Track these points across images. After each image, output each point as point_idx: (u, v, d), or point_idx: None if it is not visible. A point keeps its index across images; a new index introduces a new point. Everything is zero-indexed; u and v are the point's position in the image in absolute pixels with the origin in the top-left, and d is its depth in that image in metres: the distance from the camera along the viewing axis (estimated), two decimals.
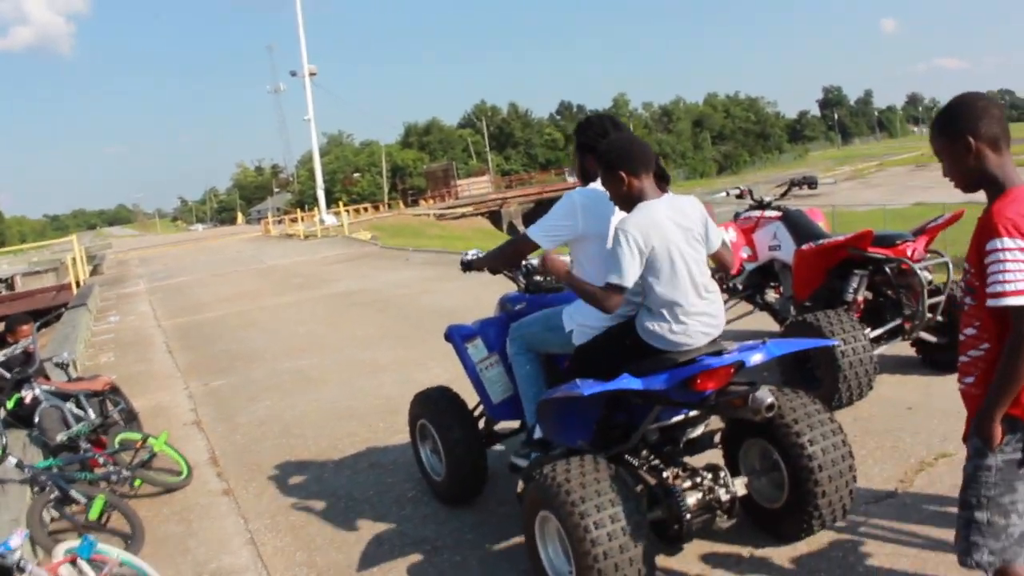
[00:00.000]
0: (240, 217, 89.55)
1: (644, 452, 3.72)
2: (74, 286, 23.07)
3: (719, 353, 3.43)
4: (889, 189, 51.90)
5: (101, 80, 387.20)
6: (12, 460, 4.94)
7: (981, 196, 2.59)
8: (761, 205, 6.48)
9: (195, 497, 5.54)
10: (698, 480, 3.59)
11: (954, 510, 3.86)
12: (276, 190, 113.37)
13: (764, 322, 6.86)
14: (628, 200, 3.44)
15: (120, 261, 33.95)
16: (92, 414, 6.07)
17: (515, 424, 4.70)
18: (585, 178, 3.94)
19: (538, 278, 4.51)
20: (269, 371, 9.02)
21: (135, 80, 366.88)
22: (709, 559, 3.78)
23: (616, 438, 3.72)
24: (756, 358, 3.39)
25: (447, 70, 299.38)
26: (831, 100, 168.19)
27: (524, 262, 4.42)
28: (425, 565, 4.14)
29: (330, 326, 11.51)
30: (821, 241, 5.72)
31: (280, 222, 48.35)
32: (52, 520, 5.01)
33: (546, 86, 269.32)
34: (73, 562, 3.92)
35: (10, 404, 5.80)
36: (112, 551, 4.23)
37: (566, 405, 3.58)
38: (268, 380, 8.59)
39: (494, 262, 4.27)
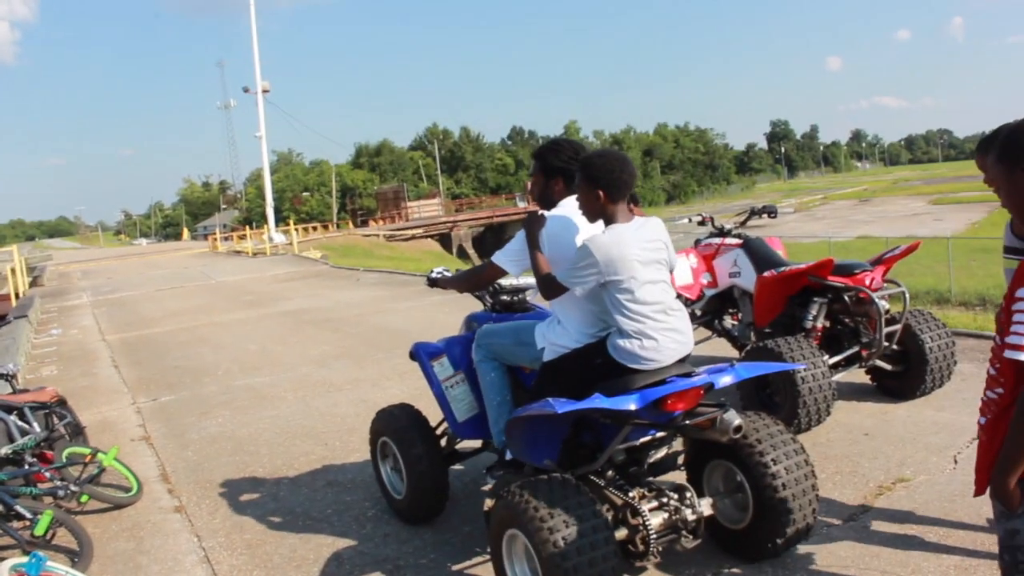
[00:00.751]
0: (186, 233, 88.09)
1: (610, 472, 3.74)
2: (13, 298, 22.43)
3: (689, 375, 3.46)
4: (834, 222, 53.04)
5: (45, 89, 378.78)
6: None
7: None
8: (722, 232, 6.57)
9: (146, 514, 5.39)
10: (664, 500, 3.63)
11: (914, 533, 3.96)
12: (223, 207, 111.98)
13: (722, 348, 6.94)
14: (599, 216, 3.51)
15: (61, 274, 33.06)
16: (38, 427, 5.87)
17: (477, 444, 4.69)
18: (547, 203, 3.90)
19: (505, 297, 4.51)
20: (221, 388, 8.85)
21: (80, 90, 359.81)
22: None
23: (583, 458, 3.73)
24: (725, 380, 3.42)
25: (399, 92, 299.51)
26: (778, 134, 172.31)
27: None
28: None
29: (283, 344, 11.35)
30: (783, 269, 5.82)
31: (228, 239, 47.71)
32: None
33: (498, 111, 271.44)
34: None
35: None
36: (61, 568, 4.10)
37: (534, 424, 3.58)
38: (220, 397, 8.42)
39: (461, 285, 4.29)
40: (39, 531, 4.62)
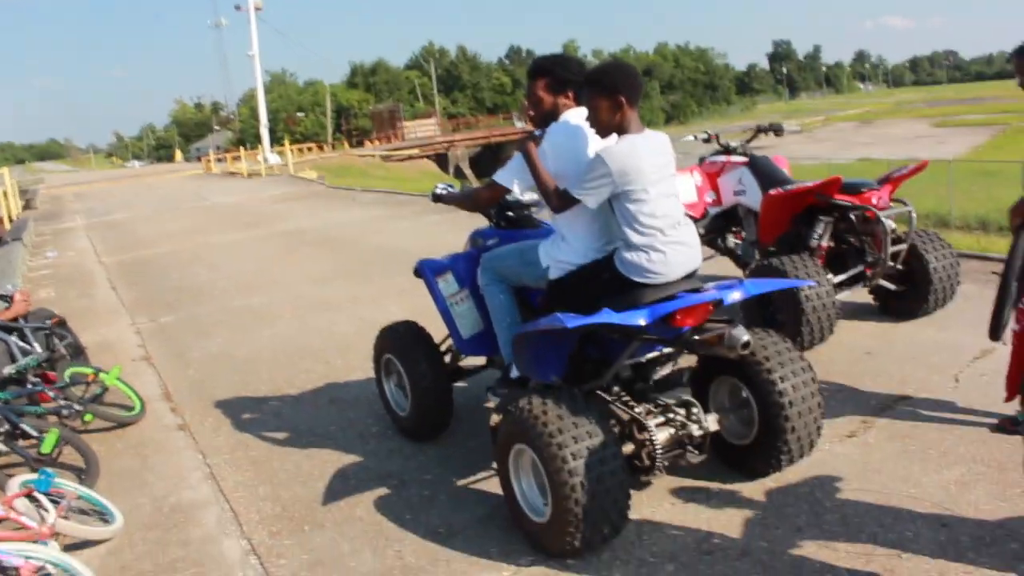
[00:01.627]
0: (179, 154, 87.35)
1: (616, 388, 3.73)
2: (7, 220, 22.26)
3: (697, 290, 3.44)
4: (834, 144, 52.52)
5: (32, 10, 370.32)
6: None
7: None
8: (727, 150, 6.47)
9: (149, 432, 5.42)
10: (670, 416, 3.64)
11: (915, 448, 3.99)
12: (216, 128, 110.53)
13: (726, 267, 6.90)
14: (614, 129, 3.43)
15: (54, 196, 32.85)
16: (39, 348, 5.87)
17: (481, 360, 4.71)
18: (552, 120, 3.74)
19: (510, 213, 4.46)
20: (219, 308, 8.84)
21: (69, 10, 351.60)
22: (679, 493, 3.83)
23: (589, 374, 3.73)
24: (735, 296, 3.41)
25: (395, 10, 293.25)
26: (780, 54, 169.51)
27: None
28: (392, 499, 4.11)
29: (280, 264, 11.32)
30: (789, 187, 5.74)
31: (222, 160, 47.24)
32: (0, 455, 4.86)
33: (495, 30, 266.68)
34: (30, 495, 3.82)
35: None
36: (69, 485, 4.13)
37: (540, 340, 3.56)
38: (219, 317, 8.42)
39: (465, 204, 4.19)
40: (46, 449, 4.64)
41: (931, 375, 4.89)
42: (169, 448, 5.14)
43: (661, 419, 3.62)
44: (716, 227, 6.61)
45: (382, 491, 4.20)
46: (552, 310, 3.50)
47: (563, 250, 3.66)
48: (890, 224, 5.53)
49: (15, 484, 3.89)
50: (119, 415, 5.55)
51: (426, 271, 4.43)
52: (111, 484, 4.65)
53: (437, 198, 4.39)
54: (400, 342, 4.66)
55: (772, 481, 3.81)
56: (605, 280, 3.48)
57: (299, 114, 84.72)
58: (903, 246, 5.61)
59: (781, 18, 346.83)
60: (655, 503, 3.76)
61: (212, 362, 6.82)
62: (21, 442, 4.76)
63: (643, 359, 3.74)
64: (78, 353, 6.38)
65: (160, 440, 5.28)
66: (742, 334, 3.35)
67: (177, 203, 23.72)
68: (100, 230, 18.53)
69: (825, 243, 5.70)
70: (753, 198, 6.08)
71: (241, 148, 50.15)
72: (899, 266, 5.69)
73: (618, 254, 3.43)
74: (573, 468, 3.13)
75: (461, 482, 4.20)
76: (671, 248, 3.37)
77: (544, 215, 4.21)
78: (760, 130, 6.68)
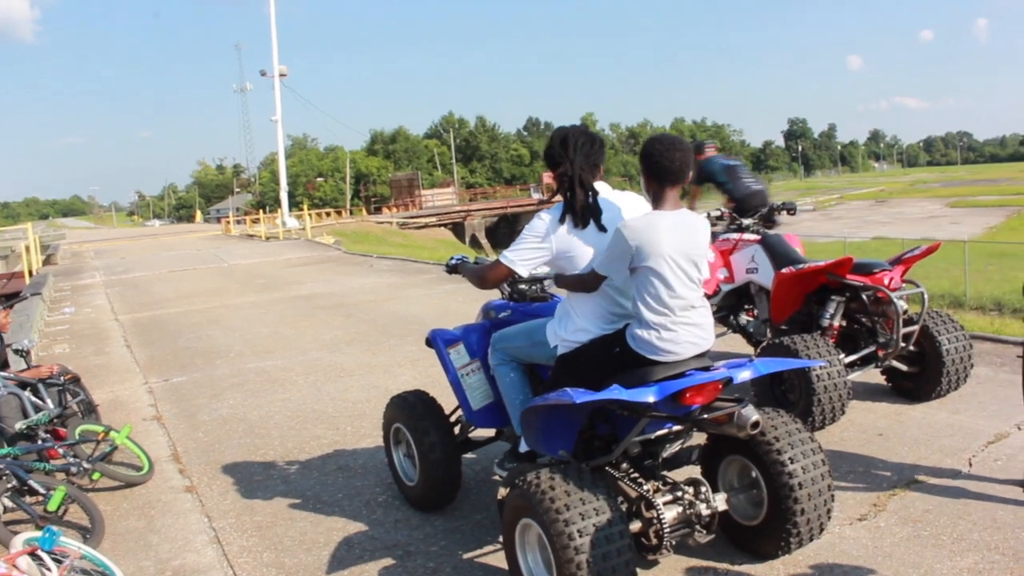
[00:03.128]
0: (199, 215, 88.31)
1: (624, 465, 3.72)
2: (27, 275, 22.53)
3: (707, 368, 3.45)
4: (849, 222, 52.73)
5: (62, 69, 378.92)
6: None
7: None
8: (740, 228, 6.53)
9: (157, 493, 5.41)
10: (679, 494, 3.61)
11: (927, 534, 3.94)
12: (237, 190, 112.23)
13: (737, 344, 6.91)
14: (653, 202, 3.49)
15: (75, 252, 33.22)
16: (51, 404, 5.90)
17: (490, 432, 4.69)
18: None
19: (523, 287, 4.50)
20: (233, 370, 8.87)
21: (97, 70, 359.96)
22: (689, 573, 3.78)
23: (598, 450, 3.72)
24: (744, 375, 3.40)
25: (416, 80, 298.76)
26: (796, 132, 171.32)
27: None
28: (398, 570, 4.08)
29: (295, 328, 11.36)
30: (801, 266, 5.78)
31: (240, 222, 47.79)
32: (5, 511, 4.85)
33: (514, 102, 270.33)
34: (33, 553, 3.80)
35: None
36: (73, 544, 4.11)
37: (550, 414, 3.56)
38: (232, 379, 8.45)
39: (475, 281, 4.06)
40: (52, 506, 4.65)
41: (944, 458, 4.85)
42: (175, 510, 5.12)
43: (669, 497, 3.60)
44: (728, 304, 6.64)
45: (387, 561, 4.17)
46: (561, 384, 3.51)
47: (570, 328, 3.68)
48: (902, 305, 5.54)
49: (19, 542, 3.87)
50: (127, 475, 5.55)
51: (437, 341, 4.44)
52: (115, 545, 4.63)
53: (452, 269, 4.44)
54: (410, 411, 4.66)
55: (781, 563, 3.77)
56: (615, 355, 3.49)
57: (319, 179, 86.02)
58: (915, 327, 5.62)
59: (797, 96, 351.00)
60: None
61: (223, 424, 6.82)
62: (28, 498, 4.78)
63: (652, 436, 3.71)
64: (90, 411, 6.41)
65: (167, 501, 5.26)
66: (752, 414, 3.36)
67: (195, 263, 23.95)
68: (118, 287, 18.69)
69: (837, 323, 5.72)
70: (765, 276, 6.12)
71: (260, 211, 50.79)
72: (911, 347, 5.69)
73: (630, 330, 3.44)
74: (579, 545, 3.10)
75: (467, 555, 4.16)
76: (683, 328, 3.38)
77: (556, 288, 4.24)
78: (773, 209, 6.74)
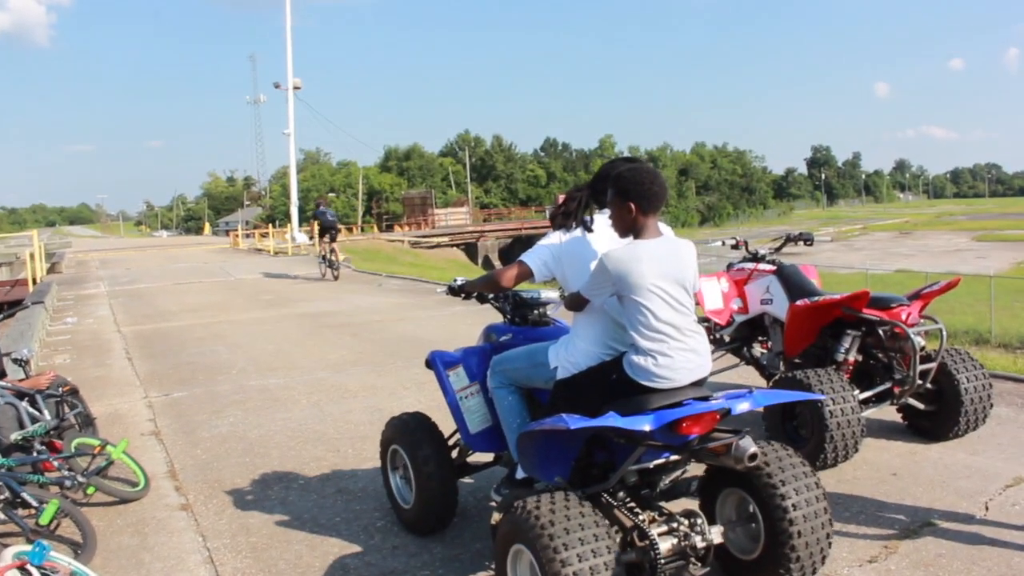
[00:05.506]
0: (207, 227, 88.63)
1: (621, 494, 3.70)
2: (30, 282, 22.50)
3: (706, 398, 3.44)
4: (872, 253, 52.53)
5: (74, 75, 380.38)
6: None
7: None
8: (755, 258, 6.44)
9: (151, 510, 5.31)
10: (674, 525, 3.58)
11: None
12: (247, 203, 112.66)
13: (750, 376, 6.79)
14: (628, 231, 3.54)
15: (80, 261, 33.21)
16: (48, 415, 5.81)
17: (488, 457, 4.65)
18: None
19: (525, 311, 4.48)
20: (234, 387, 8.77)
21: (109, 78, 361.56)
22: None
23: (594, 477, 3.72)
24: (743, 406, 3.37)
25: (432, 97, 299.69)
26: (819, 160, 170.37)
27: (512, 291, 4.36)
28: None
29: (299, 346, 11.27)
30: (816, 298, 5.67)
31: (249, 236, 47.86)
32: None
33: (532, 122, 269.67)
34: (22, 567, 3.71)
35: None
36: (64, 559, 4.02)
37: (547, 440, 3.54)
38: (233, 396, 8.35)
39: (486, 286, 4.23)
40: (44, 520, 4.55)
41: (959, 501, 4.72)
42: (170, 528, 5.01)
43: (664, 528, 3.56)
44: (742, 335, 6.54)
45: None
46: (558, 409, 3.50)
47: (573, 352, 3.71)
48: (919, 341, 5.42)
49: (8, 555, 3.78)
50: (122, 490, 5.45)
51: (437, 363, 4.43)
52: (107, 561, 4.54)
53: (456, 290, 4.40)
54: (407, 433, 4.61)
55: None
56: (613, 382, 3.50)
57: (330, 194, 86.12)
58: (932, 364, 5.48)
59: (821, 124, 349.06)
60: None
61: (222, 442, 6.72)
62: (20, 511, 4.68)
63: (650, 465, 3.69)
64: (87, 423, 6.32)
65: (161, 519, 5.16)
66: (749, 445, 3.33)
67: (201, 276, 23.90)
68: (122, 298, 18.64)
69: (852, 357, 5.61)
70: (780, 308, 6.02)
71: (270, 225, 50.86)
72: (929, 385, 5.55)
73: (627, 357, 3.46)
74: (570, 573, 3.06)
75: None
76: (679, 354, 3.40)
77: (559, 314, 4.27)
78: (790, 239, 6.66)
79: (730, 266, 6.63)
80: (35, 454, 5.28)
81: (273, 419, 7.34)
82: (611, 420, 3.23)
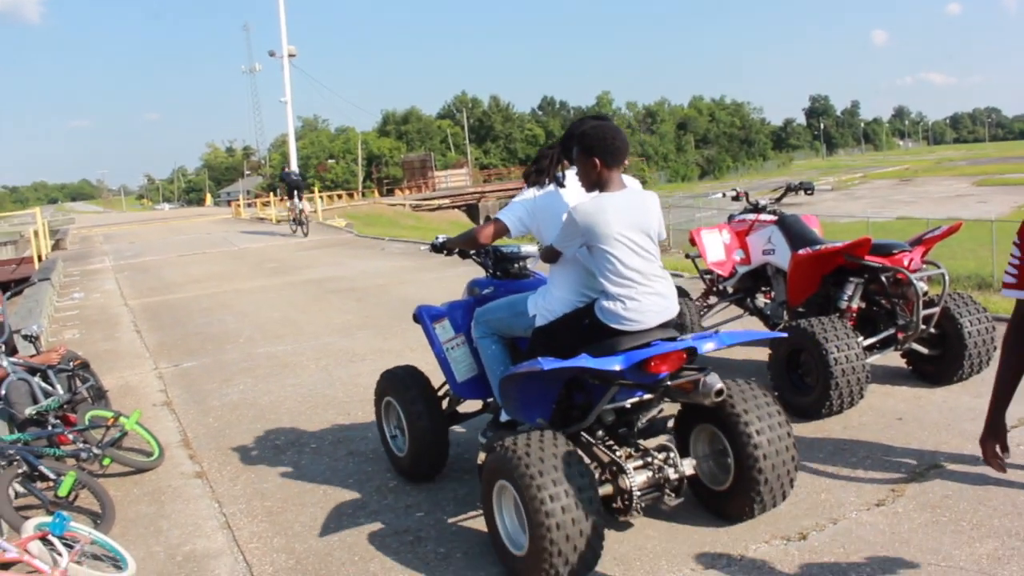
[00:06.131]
0: (209, 198, 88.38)
1: (600, 432, 3.92)
2: (36, 260, 22.57)
3: (673, 339, 3.64)
4: (872, 201, 52.21)
5: (69, 51, 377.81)
6: None
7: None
8: (756, 208, 6.43)
9: (167, 479, 5.39)
10: (649, 460, 3.81)
11: (946, 520, 3.87)
12: (247, 172, 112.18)
13: (754, 327, 6.81)
14: (594, 186, 3.70)
15: (84, 237, 33.20)
16: (61, 389, 5.88)
17: (477, 405, 4.88)
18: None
19: (506, 265, 4.65)
20: (243, 355, 8.84)
21: (104, 53, 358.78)
22: (701, 559, 3.74)
23: (574, 418, 3.93)
24: (708, 346, 3.58)
25: (428, 59, 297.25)
26: (817, 109, 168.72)
27: (492, 246, 4.54)
28: (408, 555, 4.05)
29: (306, 312, 11.32)
30: (818, 247, 5.68)
31: (251, 205, 47.77)
32: (16, 496, 4.83)
33: (529, 80, 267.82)
34: (44, 538, 3.79)
35: None
36: (84, 529, 4.10)
37: (527, 384, 3.74)
38: (242, 364, 8.42)
39: (467, 243, 4.44)
40: (62, 492, 4.63)
41: (964, 443, 4.76)
42: (185, 495, 5.10)
43: (640, 462, 3.80)
44: (745, 286, 6.56)
45: (397, 546, 4.14)
46: (536, 354, 3.69)
47: (550, 300, 3.92)
48: (922, 286, 5.43)
49: (30, 526, 3.86)
50: (137, 460, 5.53)
51: (424, 317, 4.64)
52: (126, 530, 4.62)
53: (438, 247, 4.61)
54: (399, 384, 4.83)
55: (796, 549, 3.73)
56: (586, 327, 3.68)
57: (330, 161, 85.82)
58: (936, 309, 5.50)
59: (819, 73, 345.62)
60: (676, 568, 3.68)
61: (233, 409, 6.80)
62: (39, 484, 4.76)
63: (626, 404, 3.88)
64: (100, 396, 6.39)
65: (177, 487, 5.24)
66: (716, 382, 3.56)
67: (205, 247, 23.91)
68: (128, 272, 18.68)
69: (855, 305, 5.62)
70: (782, 258, 6.02)
71: (271, 194, 50.70)
72: (932, 329, 5.57)
73: (598, 303, 3.65)
74: (551, 509, 3.28)
75: (478, 542, 4.11)
76: (646, 298, 3.59)
77: (539, 267, 4.47)
78: (790, 188, 6.66)
79: (731, 218, 6.63)
80: (50, 428, 5.36)
81: (282, 385, 7.41)
82: (583, 361, 3.44)
